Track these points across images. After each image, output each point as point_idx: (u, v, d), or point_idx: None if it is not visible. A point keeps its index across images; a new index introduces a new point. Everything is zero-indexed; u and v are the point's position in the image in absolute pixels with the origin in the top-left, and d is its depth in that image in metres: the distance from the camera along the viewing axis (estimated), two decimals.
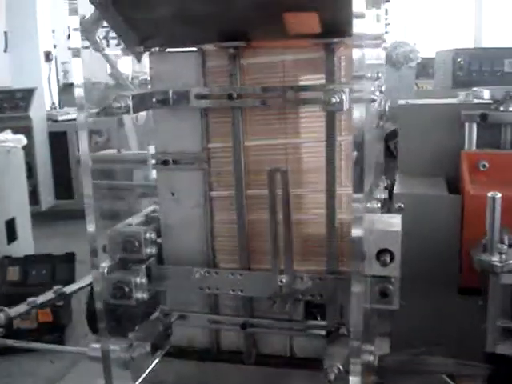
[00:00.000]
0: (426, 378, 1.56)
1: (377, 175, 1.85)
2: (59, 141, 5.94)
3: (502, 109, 1.91)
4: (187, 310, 1.64)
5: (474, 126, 1.92)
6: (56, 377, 3.20)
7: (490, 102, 1.94)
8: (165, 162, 1.57)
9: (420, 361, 1.64)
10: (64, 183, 5.93)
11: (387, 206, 1.86)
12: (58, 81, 7.69)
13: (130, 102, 1.35)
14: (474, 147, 1.93)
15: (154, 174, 1.67)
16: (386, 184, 1.97)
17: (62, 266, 3.57)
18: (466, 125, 1.92)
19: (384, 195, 1.85)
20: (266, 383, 1.64)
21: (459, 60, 4.21)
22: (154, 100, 1.48)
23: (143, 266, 1.56)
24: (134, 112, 1.38)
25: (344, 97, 1.22)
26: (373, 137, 1.57)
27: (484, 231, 1.60)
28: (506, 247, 1.43)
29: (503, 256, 1.40)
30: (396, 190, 1.86)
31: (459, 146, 1.95)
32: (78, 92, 1.40)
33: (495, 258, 1.37)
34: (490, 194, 1.37)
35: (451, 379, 1.55)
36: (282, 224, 1.49)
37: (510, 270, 1.39)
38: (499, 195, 1.37)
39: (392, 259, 1.45)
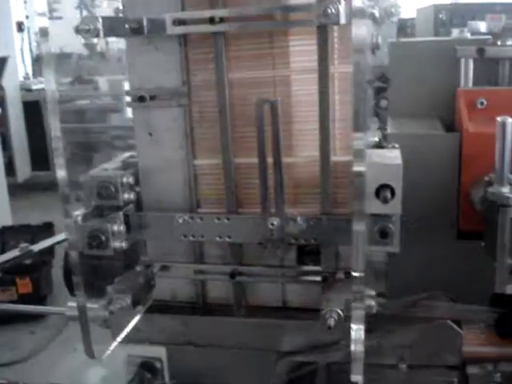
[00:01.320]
0: (430, 323, 1.46)
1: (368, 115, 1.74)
2: (34, 111, 5.77)
3: (499, 43, 1.80)
4: (170, 260, 1.52)
5: (471, 62, 1.80)
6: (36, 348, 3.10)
7: (487, 37, 1.82)
8: (141, 99, 1.43)
9: (423, 306, 1.55)
10: (40, 154, 5.77)
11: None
12: (31, 52, 7.54)
13: (100, 25, 1.21)
14: (470, 84, 1.82)
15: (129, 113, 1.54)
16: (378, 125, 1.87)
17: (41, 236, 3.45)
18: (462, 61, 1.80)
19: (377, 137, 1.74)
20: (257, 336, 1.53)
21: (441, 16, 4.13)
22: (126, 27, 1.34)
23: (120, 213, 1.43)
24: (105, 36, 1.24)
25: (341, 8, 1.09)
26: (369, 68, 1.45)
27: (483, 171, 1.51)
28: None
29: None
30: (389, 130, 1.74)
31: (455, 84, 1.83)
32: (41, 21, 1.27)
33: (506, 190, 1.25)
34: (499, 119, 1.25)
35: (456, 325, 1.46)
36: (271, 163, 1.37)
37: None
38: (510, 120, 1.25)
39: (393, 195, 1.34)
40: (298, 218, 1.39)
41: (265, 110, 1.33)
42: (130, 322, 1.50)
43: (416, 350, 1.45)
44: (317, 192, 1.41)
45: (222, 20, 1.31)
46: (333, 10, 1.10)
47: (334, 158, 1.39)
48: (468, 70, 1.81)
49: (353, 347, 1.21)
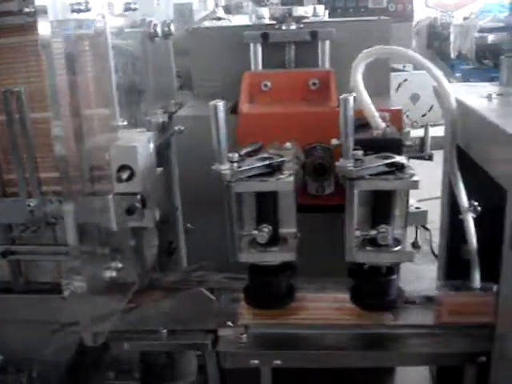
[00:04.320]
0: (187, 292, 1.59)
1: (155, 99, 1.85)
2: None
3: (283, 27, 1.91)
4: None
5: (259, 47, 1.91)
6: None
7: (272, 22, 1.93)
8: None
9: (194, 277, 1.68)
10: None
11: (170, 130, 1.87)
12: None
13: None
14: (260, 68, 1.93)
15: None
16: (174, 109, 1.97)
17: None
18: (251, 45, 1.91)
19: (163, 119, 1.85)
20: (37, 311, 1.64)
21: None
22: None
23: None
24: None
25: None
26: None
27: None
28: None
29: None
30: (178, 113, 1.85)
31: (247, 68, 1.94)
32: None
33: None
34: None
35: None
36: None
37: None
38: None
39: (132, 175, 1.45)
40: (53, 199, 1.50)
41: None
42: None
43: (176, 317, 1.57)
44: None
45: None
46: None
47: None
48: (257, 54, 1.92)
49: None
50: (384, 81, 1.99)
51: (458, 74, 7.57)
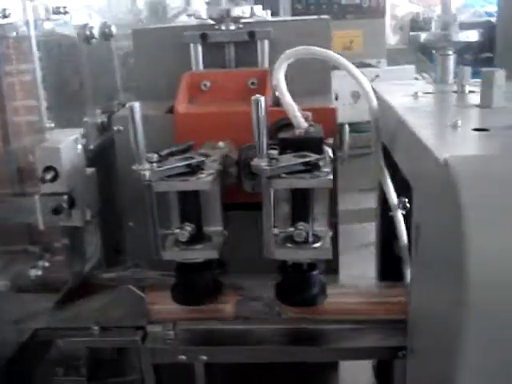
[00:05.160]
0: (117, 289, 1.63)
1: (95, 100, 1.87)
2: None
3: (223, 28, 1.93)
4: None
5: (199, 47, 1.93)
6: None
7: (211, 22, 1.95)
8: None
9: (128, 275, 1.71)
10: None
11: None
12: None
13: None
14: (200, 68, 1.95)
15: None
16: (117, 109, 2.00)
17: None
18: (191, 46, 1.94)
19: (101, 119, 1.88)
20: None
21: None
22: None
23: None
24: None
25: None
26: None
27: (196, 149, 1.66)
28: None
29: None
30: (116, 113, 1.88)
31: (190, 68, 1.97)
32: None
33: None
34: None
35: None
36: None
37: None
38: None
39: (57, 176, 1.48)
40: None
41: None
42: None
43: (107, 314, 1.60)
44: None
45: None
46: None
47: None
48: (197, 55, 1.94)
49: None
50: (324, 79, 2.02)
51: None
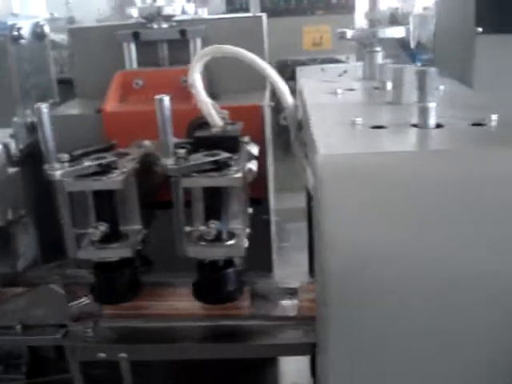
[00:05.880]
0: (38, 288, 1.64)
1: (24, 100, 1.88)
2: None
3: (155, 26, 1.94)
4: None
5: (132, 46, 1.94)
6: None
7: (143, 21, 1.96)
8: None
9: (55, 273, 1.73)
10: None
11: None
12: None
13: None
14: (134, 66, 1.96)
15: None
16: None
17: None
18: (124, 45, 1.94)
19: (31, 119, 1.88)
20: None
21: None
22: None
23: None
24: None
25: None
26: None
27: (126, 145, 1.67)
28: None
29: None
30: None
31: (124, 67, 1.97)
32: None
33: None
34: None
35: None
36: None
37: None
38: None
39: None
40: None
41: None
42: None
43: (30, 312, 1.61)
44: None
45: None
46: None
47: None
48: (130, 53, 1.95)
49: None
50: (259, 77, 2.02)
51: (418, 64, 7.56)
